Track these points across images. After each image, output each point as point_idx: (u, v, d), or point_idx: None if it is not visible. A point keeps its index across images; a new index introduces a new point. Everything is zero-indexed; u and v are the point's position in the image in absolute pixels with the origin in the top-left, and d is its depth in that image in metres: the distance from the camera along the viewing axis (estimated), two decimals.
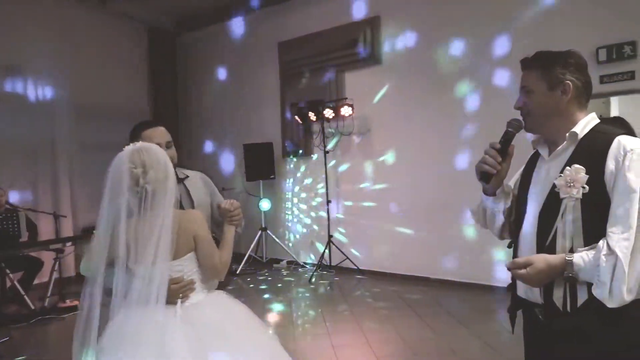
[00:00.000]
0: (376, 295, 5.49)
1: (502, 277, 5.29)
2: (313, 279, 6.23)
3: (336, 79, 6.71)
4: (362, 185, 6.55)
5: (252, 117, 7.63)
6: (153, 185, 1.70)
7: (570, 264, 1.37)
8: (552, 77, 1.52)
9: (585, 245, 1.41)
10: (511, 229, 1.72)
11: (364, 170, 6.51)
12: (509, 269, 1.50)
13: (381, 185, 6.34)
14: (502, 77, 5.17)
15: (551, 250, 1.45)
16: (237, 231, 2.13)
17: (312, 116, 6.63)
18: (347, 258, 6.45)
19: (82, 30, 7.08)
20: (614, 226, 1.35)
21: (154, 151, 1.76)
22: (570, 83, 1.51)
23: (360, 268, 6.40)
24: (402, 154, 6.13)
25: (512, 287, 1.68)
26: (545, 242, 1.47)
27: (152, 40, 8.21)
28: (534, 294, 1.52)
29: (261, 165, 7.10)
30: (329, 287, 5.96)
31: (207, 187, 2.41)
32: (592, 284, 1.37)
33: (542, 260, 1.41)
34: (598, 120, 1.55)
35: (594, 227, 1.40)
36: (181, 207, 2.23)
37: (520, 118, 1.64)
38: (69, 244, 5.59)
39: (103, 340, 1.64)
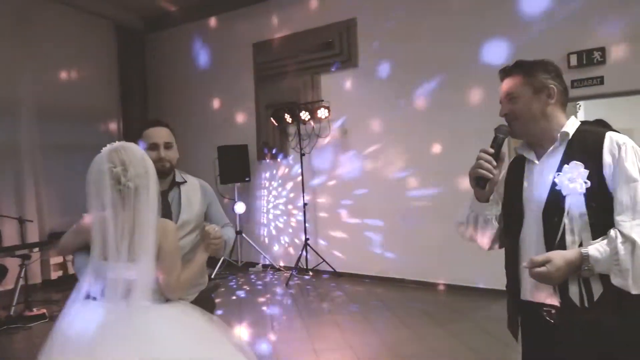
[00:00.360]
0: (354, 297, 5.48)
1: (476, 278, 5.38)
2: (290, 283, 6.18)
3: (312, 81, 6.69)
4: (338, 188, 6.54)
5: (226, 119, 7.53)
6: (135, 182, 1.71)
7: (586, 257, 1.40)
8: (536, 82, 1.59)
9: (593, 239, 1.44)
10: (501, 236, 1.74)
11: (340, 172, 6.51)
12: (516, 267, 1.52)
13: (357, 188, 6.35)
14: (479, 81, 5.26)
15: (562, 247, 1.47)
16: (219, 255, 2.17)
17: (288, 118, 6.59)
18: (324, 261, 6.43)
19: (47, 27, 6.82)
20: (622, 214, 1.41)
21: (130, 149, 1.78)
22: (554, 87, 1.58)
23: (337, 271, 6.39)
24: (378, 156, 6.16)
25: (512, 293, 1.67)
26: (554, 240, 1.49)
27: (120, 38, 7.98)
28: (543, 295, 1.53)
29: (236, 168, 7.01)
30: (306, 291, 5.91)
31: (205, 196, 2.36)
32: (605, 277, 1.40)
33: (560, 256, 1.42)
34: (579, 122, 1.62)
35: (599, 220, 1.45)
36: (169, 211, 2.18)
37: (506, 124, 1.67)
38: (35, 249, 5.35)
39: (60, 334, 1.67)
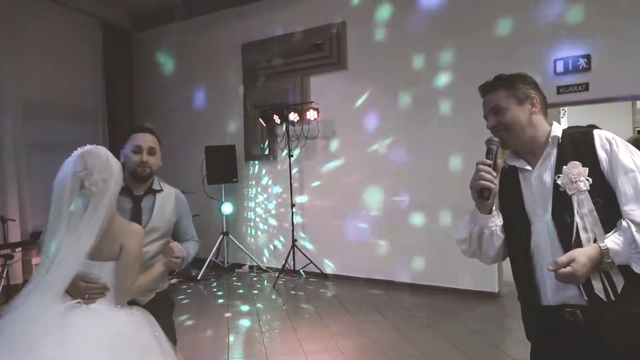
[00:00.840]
0: (342, 299, 5.50)
1: (462, 280, 5.45)
2: (277, 284, 6.16)
3: (301, 82, 6.70)
4: (325, 190, 6.55)
5: (214, 119, 7.48)
6: (98, 187, 1.80)
7: (606, 250, 1.44)
8: (518, 93, 1.65)
9: (605, 233, 1.49)
10: (504, 247, 1.75)
11: (329, 174, 6.52)
12: (549, 270, 1.50)
13: (345, 190, 6.37)
14: (465, 86, 5.32)
15: (578, 245, 1.50)
16: (174, 270, 2.26)
17: (276, 119, 6.58)
18: (311, 262, 6.42)
19: (31, 22, 6.67)
20: (630, 204, 1.47)
21: (97, 152, 1.87)
22: (536, 96, 1.65)
23: (325, 272, 6.40)
24: (367, 159, 6.19)
25: (530, 301, 1.66)
26: (570, 240, 1.52)
27: (106, 36, 7.86)
28: (567, 296, 1.54)
29: (223, 168, 6.96)
30: (293, 292, 5.91)
31: (178, 207, 2.43)
32: (624, 268, 1.45)
33: (582, 253, 1.45)
34: (562, 127, 1.69)
35: (607, 215, 1.50)
36: (140, 216, 2.24)
37: (493, 137, 1.70)
38: (18, 249, 5.24)
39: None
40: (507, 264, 1.79)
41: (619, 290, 1.47)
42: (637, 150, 1.55)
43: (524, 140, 1.66)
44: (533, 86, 1.67)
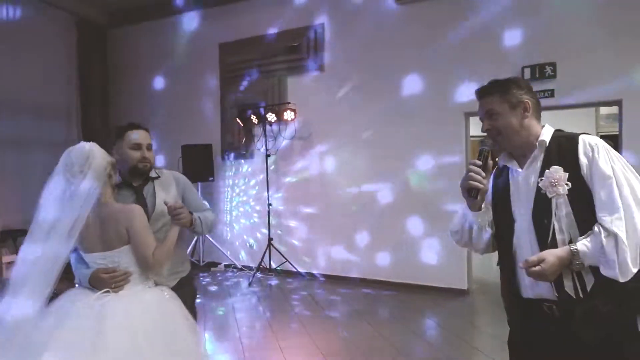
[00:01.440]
0: (317, 296, 5.60)
1: (434, 278, 5.62)
2: (252, 282, 6.23)
3: (278, 83, 6.77)
4: (302, 189, 6.64)
5: (191, 118, 7.47)
6: (75, 178, 1.92)
7: (576, 253, 1.54)
8: (512, 98, 1.72)
9: (580, 235, 1.59)
10: (494, 240, 1.86)
11: (305, 174, 6.61)
12: (522, 268, 1.61)
13: (321, 189, 6.48)
14: (445, 86, 5.52)
15: (554, 245, 1.60)
16: (196, 231, 2.35)
17: (254, 119, 6.64)
18: (287, 261, 6.51)
19: (3, 16, 6.57)
20: (603, 211, 1.55)
21: (81, 147, 2.00)
22: (529, 101, 1.73)
23: (300, 271, 6.49)
24: (343, 159, 6.31)
25: (512, 293, 1.78)
26: (546, 240, 1.62)
27: (81, 32, 7.77)
28: (542, 291, 1.65)
29: (200, 167, 6.96)
30: (269, 290, 5.98)
31: (179, 186, 2.47)
32: (595, 268, 1.55)
33: (552, 254, 1.55)
34: (553, 129, 1.78)
35: (584, 217, 1.59)
36: (145, 204, 2.30)
37: (489, 139, 1.80)
38: None
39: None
40: (475, 262, 1.92)
41: (589, 288, 1.58)
42: (619, 156, 1.61)
43: (516, 143, 1.74)
44: (526, 91, 1.73)
